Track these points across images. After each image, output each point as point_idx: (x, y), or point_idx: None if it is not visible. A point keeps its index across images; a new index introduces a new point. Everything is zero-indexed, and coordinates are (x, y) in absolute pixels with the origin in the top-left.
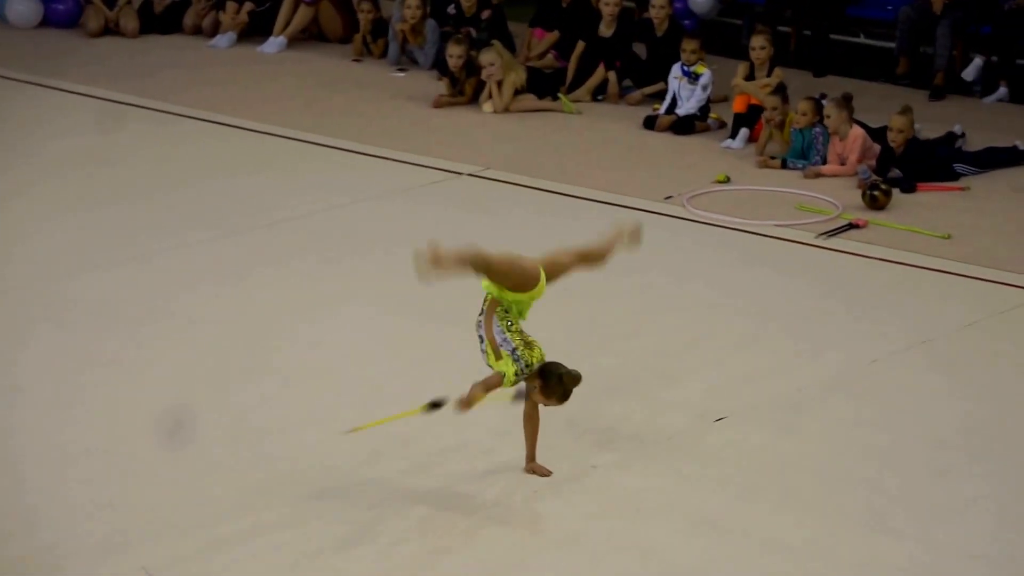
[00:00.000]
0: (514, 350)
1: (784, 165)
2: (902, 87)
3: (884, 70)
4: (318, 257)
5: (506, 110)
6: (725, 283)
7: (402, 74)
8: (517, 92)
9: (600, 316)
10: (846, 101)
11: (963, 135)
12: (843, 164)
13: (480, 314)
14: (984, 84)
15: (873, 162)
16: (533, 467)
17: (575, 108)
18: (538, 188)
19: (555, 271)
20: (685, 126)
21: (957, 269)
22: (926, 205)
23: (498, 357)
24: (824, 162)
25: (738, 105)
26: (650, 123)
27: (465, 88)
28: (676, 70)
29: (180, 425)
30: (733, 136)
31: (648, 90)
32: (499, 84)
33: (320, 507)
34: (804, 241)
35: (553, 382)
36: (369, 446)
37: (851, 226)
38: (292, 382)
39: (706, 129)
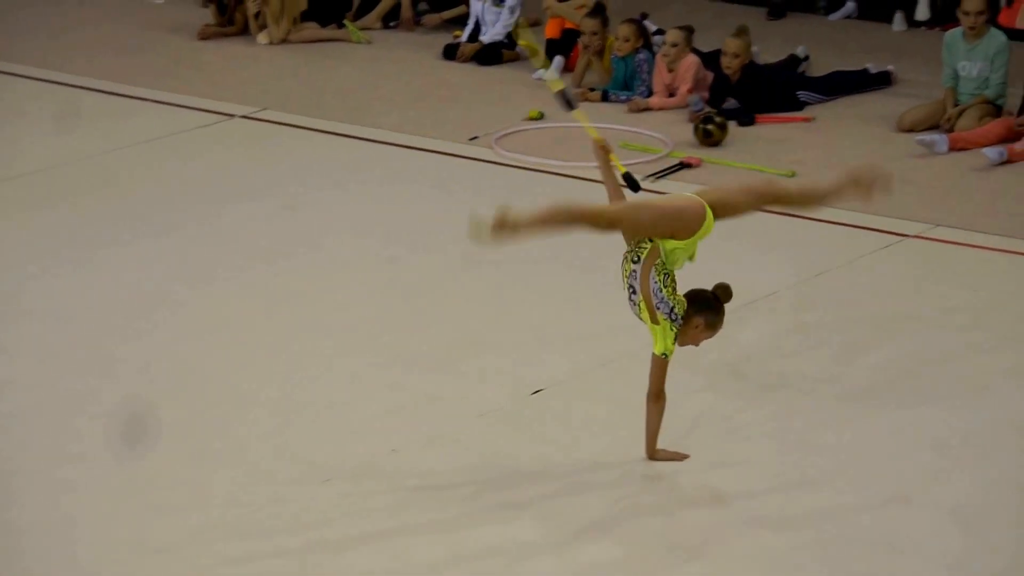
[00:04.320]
0: (672, 310)
1: (605, 97)
2: (737, 5)
3: None
4: (71, 209)
5: (284, 41)
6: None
7: (161, 0)
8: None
9: (398, 279)
10: (691, 33)
11: (807, 58)
12: (672, 95)
13: (634, 261)
14: None
15: (706, 92)
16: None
17: (364, 37)
18: (323, 130)
19: (724, 210)
20: (491, 55)
21: (803, 211)
22: (767, 139)
23: (654, 320)
24: (650, 93)
25: (551, 30)
26: (451, 52)
27: (235, 16)
28: None
29: None
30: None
31: (447, 14)
32: (267, 6)
33: None
34: None
35: (715, 309)
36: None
37: (683, 165)
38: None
39: (515, 58)
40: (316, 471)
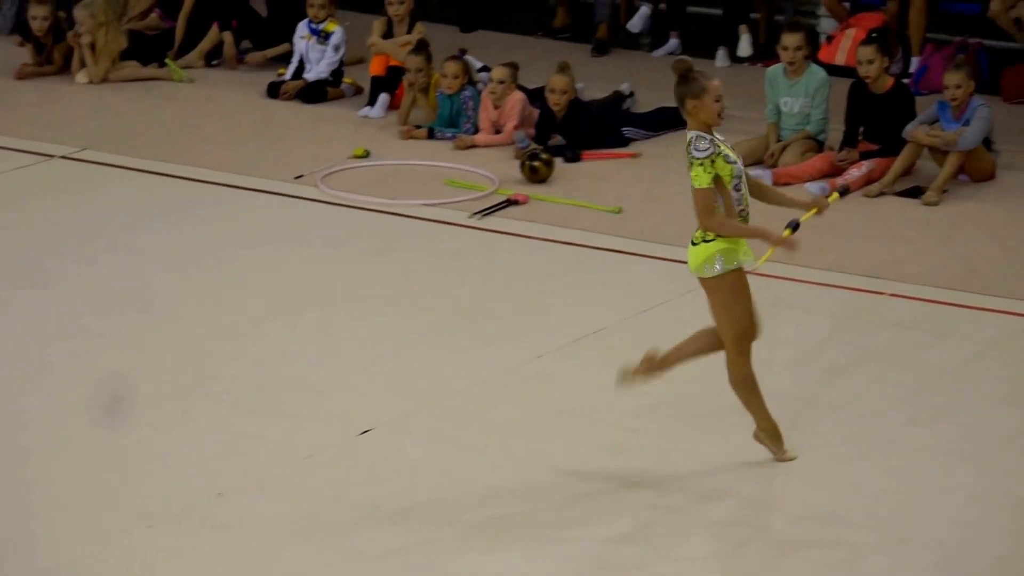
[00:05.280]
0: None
1: (431, 135)
2: (561, 41)
3: (541, 23)
4: None
5: (104, 80)
6: (369, 273)
7: None
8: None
9: (223, 321)
10: (516, 70)
11: (632, 94)
12: (498, 132)
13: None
14: (653, 36)
15: (532, 129)
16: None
17: (186, 76)
18: (146, 171)
19: None
20: (315, 93)
21: (630, 247)
22: (593, 175)
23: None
24: (476, 130)
25: (376, 67)
26: (274, 90)
27: (54, 55)
28: (303, 28)
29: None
30: (371, 103)
31: (271, 52)
32: (92, 48)
33: None
34: (457, 222)
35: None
36: None
37: (510, 202)
38: None
39: (340, 96)
40: (141, 516)
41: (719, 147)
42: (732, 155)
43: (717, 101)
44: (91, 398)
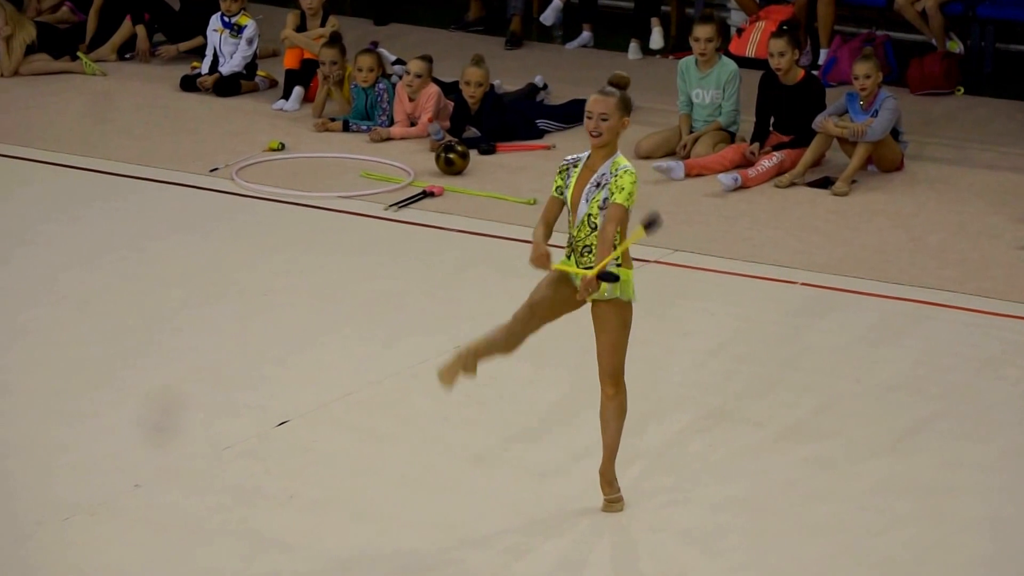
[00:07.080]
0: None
1: (346, 127)
2: (475, 34)
3: (454, 16)
4: None
5: (16, 73)
6: (284, 266)
7: None
8: (29, 52)
9: (139, 313)
10: (431, 63)
11: (545, 87)
12: (413, 124)
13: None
14: (566, 28)
15: (447, 121)
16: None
17: (98, 69)
18: (59, 164)
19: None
20: (229, 86)
21: None
22: (508, 167)
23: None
24: (391, 123)
25: (290, 60)
26: (188, 84)
27: None
28: (216, 21)
29: None
30: (286, 96)
31: (184, 46)
32: (6, 42)
33: None
34: (373, 214)
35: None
36: None
37: (425, 194)
38: None
39: (254, 89)
40: (57, 509)
41: (568, 172)
42: (566, 194)
43: (588, 118)
44: (4, 392)
